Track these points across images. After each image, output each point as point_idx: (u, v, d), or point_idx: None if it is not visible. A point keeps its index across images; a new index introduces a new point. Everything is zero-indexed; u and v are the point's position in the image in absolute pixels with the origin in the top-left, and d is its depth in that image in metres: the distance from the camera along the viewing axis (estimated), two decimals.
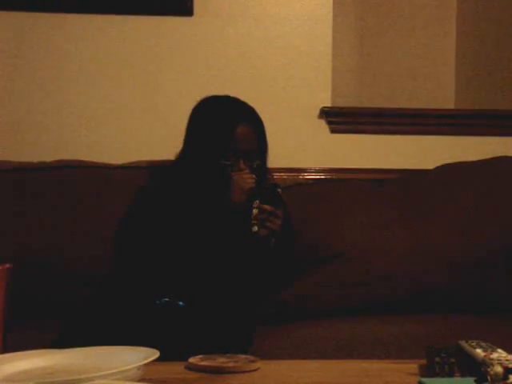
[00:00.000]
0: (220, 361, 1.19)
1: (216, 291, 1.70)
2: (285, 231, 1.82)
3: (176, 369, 1.18)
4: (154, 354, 1.09)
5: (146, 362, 1.06)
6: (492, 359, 1.01)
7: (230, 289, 1.74)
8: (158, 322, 1.57)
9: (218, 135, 1.80)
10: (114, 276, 1.81)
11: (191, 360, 1.20)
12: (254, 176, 1.79)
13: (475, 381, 1.00)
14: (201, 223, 1.77)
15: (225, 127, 1.81)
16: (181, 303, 1.63)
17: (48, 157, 2.26)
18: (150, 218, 1.80)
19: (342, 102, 2.60)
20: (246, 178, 1.78)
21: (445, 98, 2.79)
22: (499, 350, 1.07)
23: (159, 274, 1.71)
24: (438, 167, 2.30)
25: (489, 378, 0.97)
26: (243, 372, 1.16)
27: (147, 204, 1.83)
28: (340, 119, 2.52)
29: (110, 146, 2.39)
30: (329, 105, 2.49)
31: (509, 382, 0.96)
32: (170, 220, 1.77)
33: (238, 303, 1.71)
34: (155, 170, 2.07)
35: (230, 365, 1.17)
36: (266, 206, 1.75)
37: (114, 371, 1.01)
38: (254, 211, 1.75)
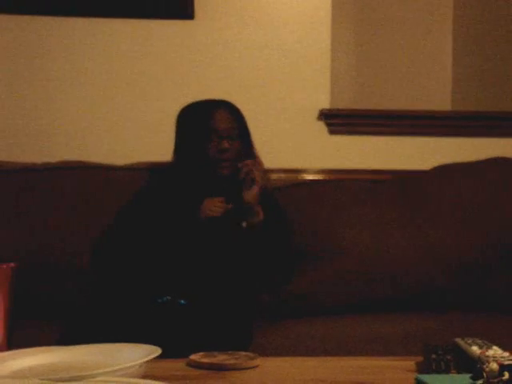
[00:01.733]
0: (220, 358, 1.20)
1: (216, 289, 1.72)
2: (278, 226, 1.86)
3: (177, 366, 1.18)
4: (156, 351, 1.09)
5: (147, 359, 1.06)
6: (487, 356, 1.02)
7: (229, 286, 1.75)
8: (159, 319, 1.58)
9: (198, 120, 1.89)
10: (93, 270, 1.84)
11: (192, 357, 1.20)
12: (225, 206, 1.81)
13: (471, 377, 1.01)
14: (190, 220, 1.80)
15: (202, 112, 1.90)
16: (182, 301, 1.65)
17: (50, 158, 2.27)
18: (147, 217, 1.83)
19: (341, 104, 2.61)
20: (216, 207, 1.81)
21: (442, 99, 2.80)
22: (494, 347, 1.08)
23: (159, 273, 1.73)
24: (435, 168, 2.32)
25: (484, 374, 0.98)
26: (243, 369, 1.16)
27: (138, 204, 1.87)
28: (339, 121, 2.53)
29: (112, 148, 2.40)
30: (328, 106, 2.50)
31: (504, 378, 0.97)
32: (168, 217, 1.80)
33: (238, 301, 1.73)
34: (152, 171, 2.10)
35: (231, 362, 1.18)
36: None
37: (116, 368, 1.01)
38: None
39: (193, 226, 1.82)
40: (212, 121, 1.88)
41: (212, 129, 1.87)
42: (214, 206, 1.81)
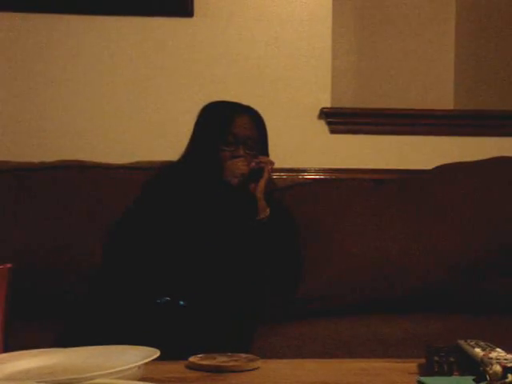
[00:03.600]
0: (220, 360, 1.19)
1: (216, 290, 1.71)
2: (286, 231, 1.85)
3: (176, 368, 1.18)
4: (155, 353, 1.09)
5: (146, 361, 1.05)
6: (491, 358, 1.01)
7: (230, 287, 1.74)
8: (158, 321, 1.57)
9: (219, 121, 1.87)
10: (102, 273, 1.82)
11: (191, 359, 1.20)
12: (247, 162, 1.82)
13: (474, 380, 1.00)
14: (204, 216, 1.79)
15: (225, 114, 1.88)
16: (181, 302, 1.64)
17: (48, 157, 2.26)
18: (149, 215, 1.81)
19: (342, 103, 2.61)
20: (240, 165, 1.81)
21: (444, 98, 2.79)
22: (498, 349, 1.07)
23: (160, 273, 1.72)
24: (436, 167, 2.31)
25: (487, 377, 0.97)
26: (243, 371, 1.16)
27: (147, 200, 1.86)
28: (339, 120, 2.52)
29: (111, 147, 2.40)
30: (328, 105, 2.49)
31: (507, 381, 0.96)
32: (169, 215, 1.79)
33: (239, 302, 1.72)
34: (162, 166, 2.08)
35: (230, 364, 1.17)
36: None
37: (114, 370, 1.01)
38: None
39: (222, 202, 1.82)
40: (233, 124, 1.86)
41: (231, 132, 1.85)
42: (237, 169, 1.79)
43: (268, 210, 1.86)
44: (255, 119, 1.90)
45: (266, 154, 1.94)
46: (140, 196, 1.89)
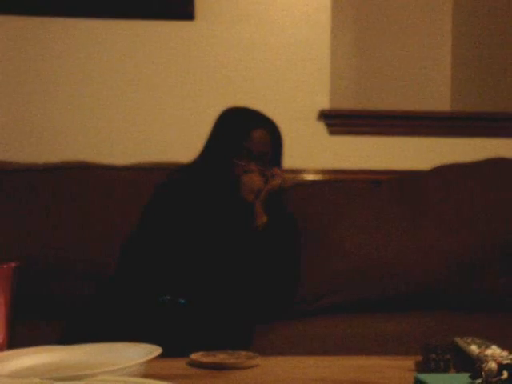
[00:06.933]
0: (221, 357, 1.20)
1: (217, 289, 1.72)
2: (286, 238, 1.86)
3: (178, 365, 1.18)
4: (157, 350, 1.09)
5: (148, 358, 1.06)
6: (486, 355, 1.02)
7: (231, 286, 1.76)
8: (160, 319, 1.58)
9: (234, 134, 1.86)
10: (118, 272, 1.83)
11: (193, 356, 1.21)
12: (263, 178, 1.83)
13: (470, 377, 1.01)
14: (208, 221, 1.80)
15: (241, 127, 1.87)
16: (182, 301, 1.65)
17: (51, 158, 2.28)
18: (160, 217, 1.83)
19: (341, 104, 2.62)
20: (255, 180, 1.82)
21: (441, 99, 2.81)
22: (493, 347, 1.08)
23: (162, 272, 1.73)
24: (435, 168, 2.32)
25: (483, 373, 0.98)
26: (244, 368, 1.17)
27: (158, 203, 1.87)
28: (338, 121, 2.53)
29: (113, 147, 2.41)
30: (327, 107, 2.51)
31: (503, 377, 0.97)
32: (178, 218, 1.80)
33: (238, 301, 1.73)
34: (177, 169, 2.08)
35: (231, 361, 1.18)
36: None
37: (117, 367, 1.01)
38: None
39: (233, 210, 1.81)
40: (248, 139, 1.85)
41: (245, 147, 1.85)
42: (254, 185, 1.80)
43: (265, 218, 1.85)
44: (271, 133, 1.90)
45: (279, 166, 1.94)
46: (153, 198, 1.89)
